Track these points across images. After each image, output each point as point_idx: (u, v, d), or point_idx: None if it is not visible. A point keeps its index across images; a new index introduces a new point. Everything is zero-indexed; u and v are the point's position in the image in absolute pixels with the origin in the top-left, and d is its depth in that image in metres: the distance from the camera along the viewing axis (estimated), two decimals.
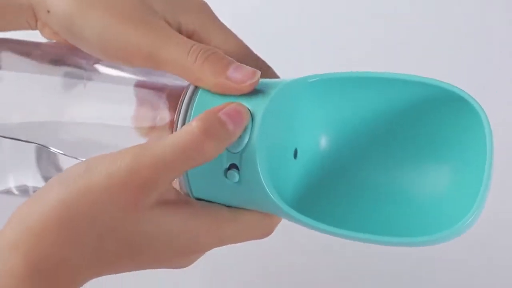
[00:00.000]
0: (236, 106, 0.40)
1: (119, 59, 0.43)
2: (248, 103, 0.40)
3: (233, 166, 0.40)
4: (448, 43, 0.71)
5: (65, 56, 0.46)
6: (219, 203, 0.42)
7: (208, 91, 0.41)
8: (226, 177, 0.41)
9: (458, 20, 0.72)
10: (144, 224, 0.39)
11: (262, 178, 0.40)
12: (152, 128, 0.44)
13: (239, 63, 0.41)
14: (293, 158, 0.43)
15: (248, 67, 0.41)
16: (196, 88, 0.42)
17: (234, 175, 0.40)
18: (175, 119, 0.41)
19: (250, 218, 0.42)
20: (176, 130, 0.41)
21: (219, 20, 0.45)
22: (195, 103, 0.41)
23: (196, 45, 0.41)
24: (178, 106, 0.42)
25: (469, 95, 0.40)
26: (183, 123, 0.41)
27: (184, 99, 0.41)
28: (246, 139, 0.40)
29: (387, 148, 0.43)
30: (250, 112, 0.40)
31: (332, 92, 0.43)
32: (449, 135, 0.41)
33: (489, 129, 0.39)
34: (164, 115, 0.43)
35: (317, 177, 0.44)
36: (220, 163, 0.40)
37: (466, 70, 0.69)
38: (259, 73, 0.41)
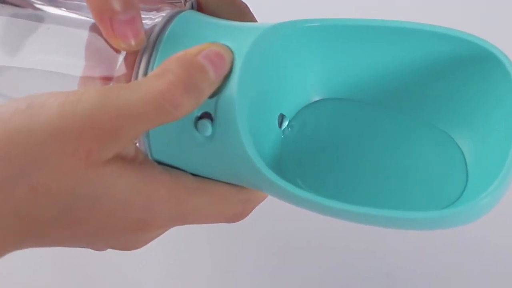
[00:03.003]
0: (217, 49, 0.33)
1: None
2: (229, 42, 0.34)
3: (206, 116, 0.33)
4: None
5: None
6: (183, 170, 0.35)
7: (183, 22, 0.35)
8: (197, 128, 0.34)
9: None
10: (92, 182, 0.32)
11: (240, 129, 0.33)
12: (107, 79, 0.36)
13: (136, 14, 0.34)
14: (277, 125, 0.37)
15: (141, 27, 0.34)
16: (165, 25, 0.35)
17: (207, 126, 0.33)
18: (136, 61, 0.35)
19: (220, 189, 0.35)
20: (138, 72, 0.34)
21: None
22: (162, 41, 0.34)
23: None
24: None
25: (501, 51, 0.33)
26: (147, 67, 0.34)
27: (149, 37, 0.35)
28: (224, 82, 0.33)
29: (395, 114, 0.37)
30: (231, 52, 0.33)
31: (333, 44, 0.36)
32: (469, 98, 0.35)
33: None
34: (121, 65, 0.36)
35: (305, 150, 0.38)
36: None
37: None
38: (143, 42, 0.34)
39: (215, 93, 0.33)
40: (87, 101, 0.31)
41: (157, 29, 0.35)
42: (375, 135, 0.37)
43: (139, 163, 0.34)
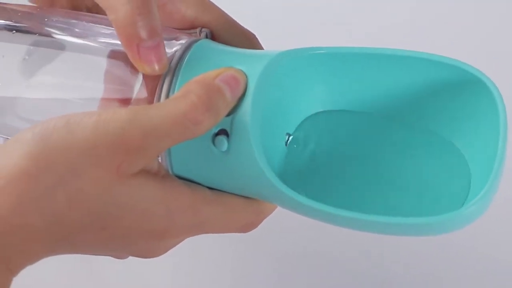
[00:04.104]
0: (233, 72, 0.36)
1: None
2: (243, 66, 0.37)
3: (222, 132, 0.37)
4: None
5: (38, 19, 0.43)
6: (200, 184, 0.38)
7: (200, 50, 0.38)
8: (214, 144, 0.37)
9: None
10: (121, 192, 0.35)
11: (253, 144, 0.36)
12: (125, 102, 0.39)
13: (160, 44, 0.37)
14: (284, 143, 0.40)
15: (164, 53, 0.37)
16: (184, 52, 0.38)
17: (223, 141, 0.37)
18: (160, 80, 0.38)
19: (234, 201, 0.38)
20: (160, 94, 0.38)
21: None
22: (182, 66, 0.38)
23: None
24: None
25: (487, 77, 0.37)
26: (169, 89, 0.37)
27: (170, 63, 0.38)
28: (239, 102, 0.36)
29: (397, 124, 0.40)
30: (245, 76, 0.37)
31: (336, 68, 0.40)
32: (460, 117, 0.39)
33: (504, 115, 0.36)
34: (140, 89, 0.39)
35: (308, 162, 0.41)
36: None
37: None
38: (166, 67, 0.38)
39: (231, 112, 0.37)
40: (118, 120, 0.34)
41: (177, 55, 0.38)
42: (377, 144, 0.40)
43: (161, 176, 0.37)
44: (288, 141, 0.41)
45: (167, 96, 0.38)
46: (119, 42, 0.38)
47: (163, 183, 0.37)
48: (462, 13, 0.71)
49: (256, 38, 0.42)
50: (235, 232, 0.40)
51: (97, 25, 0.41)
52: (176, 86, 0.37)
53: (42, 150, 0.34)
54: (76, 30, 0.41)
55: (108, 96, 0.40)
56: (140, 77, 0.39)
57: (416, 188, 0.39)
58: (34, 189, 0.34)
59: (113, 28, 0.38)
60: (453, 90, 0.38)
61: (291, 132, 0.41)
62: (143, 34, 0.36)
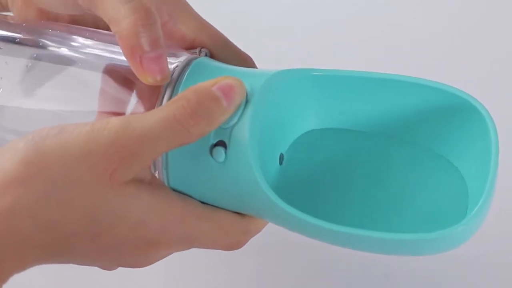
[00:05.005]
0: (231, 81, 0.37)
1: None
2: (243, 79, 0.38)
3: (220, 143, 0.37)
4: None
5: (34, 32, 0.43)
6: (194, 198, 0.39)
7: (200, 65, 0.39)
8: (211, 154, 0.37)
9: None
10: (115, 200, 0.35)
11: (250, 157, 0.36)
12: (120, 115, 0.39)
13: (163, 55, 0.38)
14: (278, 163, 0.40)
15: (166, 64, 0.38)
16: (185, 66, 0.39)
17: (221, 152, 0.37)
18: (160, 93, 0.38)
19: (224, 217, 0.39)
20: (161, 103, 0.38)
21: (191, 8, 0.42)
22: (183, 79, 0.38)
23: (137, 2, 0.37)
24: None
25: (480, 103, 0.38)
26: (169, 99, 0.38)
27: (172, 74, 0.38)
28: (238, 114, 0.37)
29: (387, 148, 0.41)
30: (244, 85, 0.37)
31: (333, 88, 0.40)
32: (454, 136, 0.40)
33: (495, 137, 0.37)
34: (138, 102, 0.40)
35: (304, 185, 0.41)
36: (206, 138, 0.37)
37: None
38: (168, 78, 0.38)
39: (230, 124, 0.37)
40: (111, 127, 0.35)
41: (178, 68, 0.39)
42: (373, 162, 0.41)
43: (154, 187, 0.37)
44: (283, 160, 0.41)
45: None
46: (115, 57, 0.39)
47: (155, 193, 0.37)
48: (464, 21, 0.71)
49: (252, 60, 0.43)
50: (221, 249, 0.40)
51: (95, 40, 0.42)
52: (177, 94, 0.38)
53: (35, 157, 0.34)
54: (74, 44, 0.42)
55: (103, 110, 0.40)
56: (134, 92, 0.40)
57: (414, 205, 0.39)
58: (27, 195, 0.34)
59: (110, 44, 0.39)
60: (446, 112, 0.39)
61: (284, 151, 0.41)
62: (146, 45, 0.37)
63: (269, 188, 0.36)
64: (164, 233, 0.37)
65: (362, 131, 0.41)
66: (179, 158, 0.38)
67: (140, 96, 0.40)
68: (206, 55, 0.42)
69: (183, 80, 0.38)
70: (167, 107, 0.36)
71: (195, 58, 0.40)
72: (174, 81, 0.38)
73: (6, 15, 0.45)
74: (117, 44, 0.38)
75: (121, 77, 0.40)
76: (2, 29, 0.43)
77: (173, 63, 0.40)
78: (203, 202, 0.39)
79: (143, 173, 0.37)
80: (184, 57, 0.40)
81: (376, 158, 0.41)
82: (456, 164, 0.40)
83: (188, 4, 0.43)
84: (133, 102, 0.40)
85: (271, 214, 0.38)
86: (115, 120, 0.35)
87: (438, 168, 0.40)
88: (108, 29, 0.40)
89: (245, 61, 0.42)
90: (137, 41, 0.37)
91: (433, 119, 0.40)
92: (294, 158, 0.41)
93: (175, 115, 0.35)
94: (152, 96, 0.39)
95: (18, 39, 0.42)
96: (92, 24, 0.45)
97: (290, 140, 0.41)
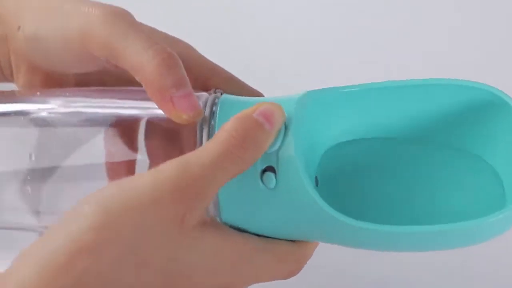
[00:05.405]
0: (269, 106, 0.37)
1: (79, 46, 0.40)
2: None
3: (269, 169, 0.38)
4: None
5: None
6: (247, 231, 0.39)
7: (227, 101, 0.40)
8: (262, 181, 0.37)
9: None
10: (188, 248, 0.35)
11: (302, 176, 0.37)
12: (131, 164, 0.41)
13: (192, 92, 0.39)
14: (315, 185, 0.41)
15: (198, 103, 0.39)
16: (213, 102, 0.40)
17: (271, 177, 0.37)
18: (197, 130, 0.39)
19: (281, 247, 0.39)
20: (201, 141, 0.39)
21: (199, 53, 0.44)
22: (217, 113, 0.39)
23: (160, 46, 0.38)
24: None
25: (509, 96, 0.39)
26: (208, 134, 0.39)
27: (204, 110, 0.39)
28: (281, 137, 0.38)
29: (419, 154, 0.42)
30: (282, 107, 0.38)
31: (362, 101, 0.41)
32: (484, 135, 0.41)
33: None
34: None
35: (338, 194, 0.41)
36: (254, 167, 0.37)
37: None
38: (202, 113, 0.39)
39: (274, 148, 0.38)
40: (171, 171, 0.35)
41: (208, 105, 0.39)
42: (405, 166, 0.42)
43: (216, 227, 0.37)
44: (318, 182, 0.41)
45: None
46: (123, 113, 0.40)
47: (218, 233, 0.37)
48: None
49: (263, 95, 0.43)
50: (280, 279, 0.40)
51: (100, 99, 0.42)
52: (216, 130, 0.38)
53: (106, 221, 0.34)
54: (83, 103, 0.42)
55: (112, 160, 0.41)
56: (142, 143, 0.41)
57: (449, 205, 0.40)
58: (99, 263, 0.33)
59: (112, 101, 0.40)
60: (474, 109, 0.40)
61: (315, 171, 0.41)
62: (174, 85, 0.38)
63: (326, 205, 0.37)
64: (235, 273, 0.37)
65: (392, 137, 0.42)
66: (229, 192, 0.38)
67: (166, 144, 0.40)
68: (221, 94, 0.42)
69: (217, 114, 0.39)
70: (218, 140, 0.36)
71: (218, 96, 0.40)
72: (208, 118, 0.39)
73: (14, 91, 0.44)
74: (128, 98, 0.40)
75: (129, 129, 0.41)
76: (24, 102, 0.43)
77: (199, 101, 0.40)
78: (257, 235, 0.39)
79: (205, 213, 0.37)
80: (204, 96, 0.40)
81: (409, 162, 0.42)
82: (490, 162, 0.41)
83: (196, 50, 0.44)
84: (142, 149, 0.41)
85: (329, 231, 0.38)
86: (171, 164, 0.35)
87: (472, 167, 0.41)
88: (114, 84, 0.42)
89: (257, 96, 0.42)
90: (165, 83, 0.38)
91: (462, 118, 0.41)
92: (326, 177, 0.41)
93: (228, 146, 0.36)
94: (182, 140, 0.40)
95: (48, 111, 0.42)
96: (99, 82, 0.45)
97: (320, 151, 0.42)
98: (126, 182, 0.35)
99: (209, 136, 0.38)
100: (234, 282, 0.37)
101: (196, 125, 0.39)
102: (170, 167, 0.35)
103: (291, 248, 0.39)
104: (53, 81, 0.44)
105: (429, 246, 0.39)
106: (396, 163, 0.42)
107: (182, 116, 0.38)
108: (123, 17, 0.40)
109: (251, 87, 0.44)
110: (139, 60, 0.38)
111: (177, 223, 0.35)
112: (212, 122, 0.39)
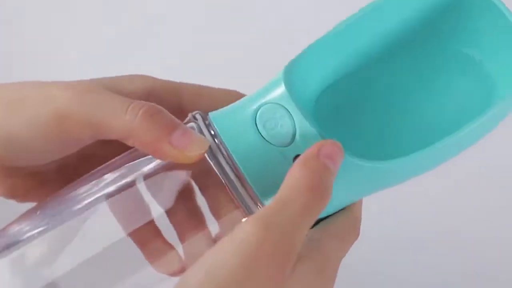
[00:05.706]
0: (332, 147, 0.37)
1: (56, 130, 0.38)
2: (266, 100, 0.39)
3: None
4: None
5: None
6: None
7: (217, 120, 0.39)
8: None
9: None
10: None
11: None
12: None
13: (186, 128, 0.37)
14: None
15: (197, 133, 0.38)
16: (206, 126, 0.39)
17: None
18: (209, 159, 0.38)
19: (336, 225, 0.39)
20: (223, 170, 0.38)
21: (174, 83, 0.42)
22: (219, 136, 0.38)
23: (135, 102, 0.38)
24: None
25: None
26: (226, 159, 0.38)
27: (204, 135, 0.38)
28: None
29: (406, 59, 0.42)
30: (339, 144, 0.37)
31: (335, 48, 0.41)
32: (471, 30, 0.41)
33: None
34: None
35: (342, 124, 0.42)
36: (287, 159, 0.38)
37: None
38: (208, 143, 0.38)
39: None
40: (253, 237, 0.34)
41: (202, 127, 0.38)
42: (398, 80, 0.42)
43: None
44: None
45: (232, 161, 0.38)
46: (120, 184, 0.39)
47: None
48: None
49: (239, 92, 0.42)
50: (351, 246, 0.40)
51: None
52: (229, 150, 0.38)
53: None
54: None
55: (132, 230, 0.39)
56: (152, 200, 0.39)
57: (447, 105, 0.41)
58: None
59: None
60: (457, 8, 0.40)
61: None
62: (167, 130, 0.37)
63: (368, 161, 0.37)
64: (325, 277, 0.37)
65: (379, 61, 0.41)
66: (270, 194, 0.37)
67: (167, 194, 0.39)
68: (200, 115, 0.40)
69: (221, 139, 0.38)
70: (294, 195, 0.35)
71: (203, 116, 0.39)
72: (215, 146, 0.38)
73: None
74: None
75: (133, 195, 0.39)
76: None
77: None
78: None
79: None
80: (190, 123, 0.39)
81: (400, 82, 0.42)
82: (477, 58, 0.41)
83: (152, 76, 0.42)
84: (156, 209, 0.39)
85: (375, 179, 0.39)
86: (252, 227, 0.34)
87: (461, 69, 0.41)
88: (95, 153, 0.41)
89: (235, 96, 0.41)
90: (157, 134, 0.37)
91: (445, 19, 0.40)
92: (325, 121, 0.41)
93: (307, 200, 0.35)
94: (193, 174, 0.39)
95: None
96: (77, 163, 0.43)
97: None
98: (212, 261, 0.34)
99: (227, 161, 0.38)
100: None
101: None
102: (252, 231, 0.34)
103: (343, 219, 0.39)
104: (35, 177, 0.42)
105: (435, 162, 0.39)
106: (389, 88, 0.42)
107: (188, 153, 0.37)
108: (94, 90, 0.38)
109: (223, 89, 0.42)
110: (122, 124, 0.37)
111: (279, 278, 0.34)
112: (217, 141, 0.38)
